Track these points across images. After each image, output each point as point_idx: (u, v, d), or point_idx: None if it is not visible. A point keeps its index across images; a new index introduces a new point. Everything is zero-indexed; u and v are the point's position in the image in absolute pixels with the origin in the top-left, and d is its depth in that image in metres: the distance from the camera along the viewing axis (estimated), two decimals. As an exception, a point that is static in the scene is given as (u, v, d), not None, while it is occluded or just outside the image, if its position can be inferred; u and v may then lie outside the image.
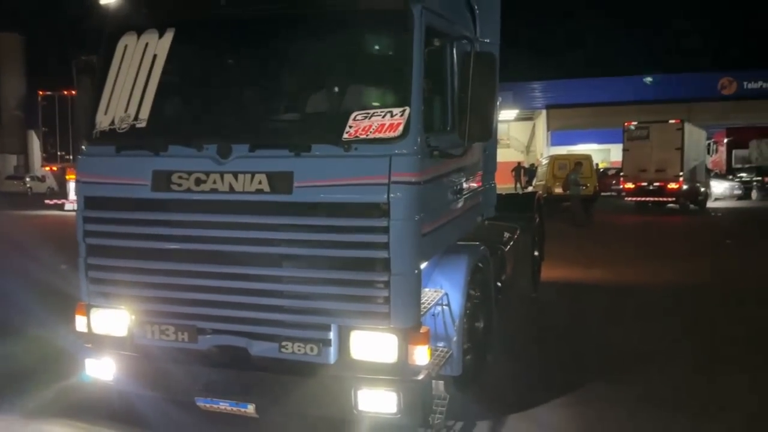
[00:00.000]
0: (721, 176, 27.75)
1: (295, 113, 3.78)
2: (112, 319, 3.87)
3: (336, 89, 3.75)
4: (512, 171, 29.58)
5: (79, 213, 3.93)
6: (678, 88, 35.15)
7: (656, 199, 20.26)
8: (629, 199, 21.22)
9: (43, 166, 20.57)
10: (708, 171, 24.91)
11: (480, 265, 4.36)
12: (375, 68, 3.67)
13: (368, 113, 3.35)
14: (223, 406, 3.57)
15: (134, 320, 3.80)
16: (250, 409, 3.50)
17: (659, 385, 4.68)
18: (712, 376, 4.87)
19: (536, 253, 7.38)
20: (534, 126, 42.00)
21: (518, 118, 41.89)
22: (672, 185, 19.70)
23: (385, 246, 3.27)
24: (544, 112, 39.11)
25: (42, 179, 27.06)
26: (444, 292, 3.90)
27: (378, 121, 3.33)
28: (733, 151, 31.57)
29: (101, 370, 3.88)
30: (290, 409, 3.58)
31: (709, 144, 31.49)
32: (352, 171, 3.30)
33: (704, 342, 5.74)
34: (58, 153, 18.63)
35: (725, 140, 32.34)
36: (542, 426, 4.06)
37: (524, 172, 29.36)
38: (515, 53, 37.11)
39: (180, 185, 3.58)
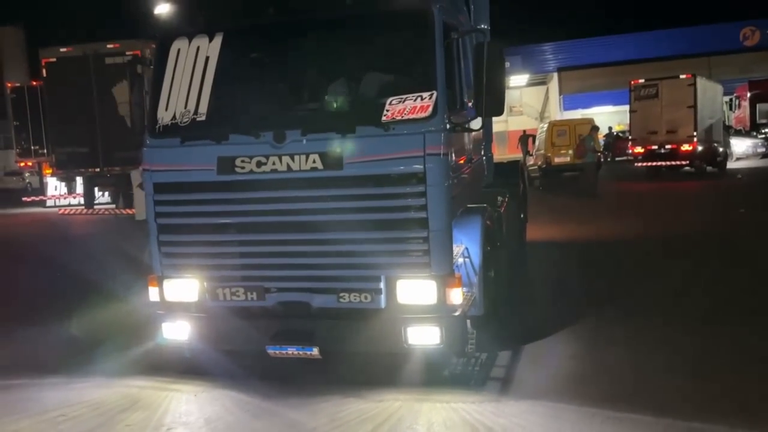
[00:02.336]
0: (743, 133, 28.74)
1: (338, 102, 5.00)
2: (184, 287, 5.10)
3: (372, 79, 4.97)
4: (519, 140, 30.64)
5: (148, 197, 5.13)
6: (696, 41, 36.31)
7: (669, 163, 20.82)
8: (639, 164, 21.75)
9: (17, 161, 21.56)
10: (727, 129, 25.79)
11: (488, 223, 5.64)
12: (404, 59, 4.88)
13: (402, 98, 4.58)
14: (291, 351, 4.84)
15: (205, 286, 5.03)
16: (315, 351, 4.77)
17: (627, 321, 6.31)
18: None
19: (522, 216, 9.02)
20: (547, 90, 43.28)
21: (530, 83, 43.32)
22: (685, 147, 20.30)
23: (424, 208, 4.52)
24: (555, 75, 40.43)
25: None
26: (464, 247, 5.16)
27: (410, 105, 4.56)
28: (758, 106, 32.47)
29: (177, 333, 5.12)
30: (349, 349, 4.88)
31: (731, 99, 32.80)
32: (392, 147, 4.53)
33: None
34: (32, 147, 19.62)
35: (748, 94, 33.38)
36: (552, 352, 5.50)
37: (532, 141, 30.53)
38: (523, 15, 38.31)
39: (243, 168, 4.79)
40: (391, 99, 4.59)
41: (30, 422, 4.61)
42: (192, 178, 4.96)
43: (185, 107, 5.02)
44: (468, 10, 6.40)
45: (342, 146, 4.60)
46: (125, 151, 13.16)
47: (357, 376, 5.03)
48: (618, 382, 4.80)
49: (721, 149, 22.52)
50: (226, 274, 5.00)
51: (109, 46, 14.01)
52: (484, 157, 6.86)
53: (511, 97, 44.96)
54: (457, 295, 4.63)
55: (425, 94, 4.56)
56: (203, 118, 4.97)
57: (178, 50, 5.10)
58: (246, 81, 5.30)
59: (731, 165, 23.49)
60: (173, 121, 5.04)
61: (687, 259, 8.90)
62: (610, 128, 33.65)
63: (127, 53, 13.49)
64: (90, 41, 15.31)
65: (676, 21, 37.56)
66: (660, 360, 5.18)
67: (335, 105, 4.95)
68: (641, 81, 21.74)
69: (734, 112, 33.13)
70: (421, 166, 4.50)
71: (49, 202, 19.09)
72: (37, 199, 19.73)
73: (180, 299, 5.12)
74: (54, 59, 15.02)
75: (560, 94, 40.39)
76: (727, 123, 30.89)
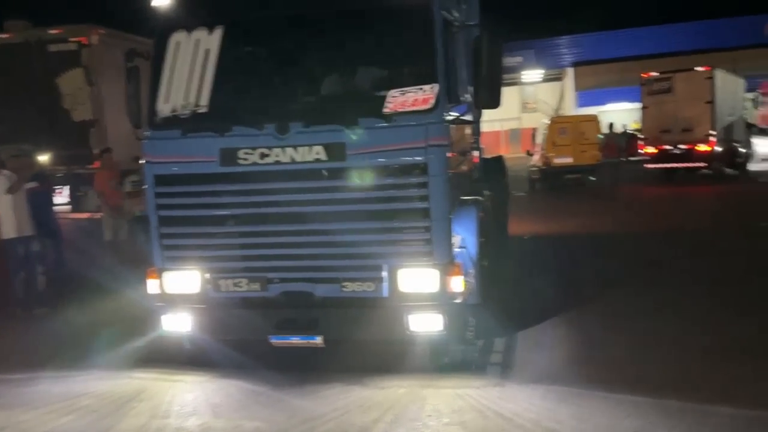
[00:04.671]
0: (766, 133, 29.70)
1: (341, 94, 5.82)
2: (184, 279, 5.85)
3: (374, 72, 5.82)
4: (532, 138, 31.69)
5: (149, 189, 5.89)
6: (719, 35, 37.96)
7: (683, 165, 21.18)
8: (650, 166, 22.06)
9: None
10: (749, 127, 26.30)
11: (482, 215, 6.49)
12: (406, 52, 5.71)
13: (403, 90, 5.42)
14: (294, 340, 5.63)
15: (206, 278, 5.80)
16: (319, 340, 5.56)
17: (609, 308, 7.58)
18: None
19: (505, 210, 10.19)
20: (563, 86, 45.14)
21: (546, 79, 45.71)
22: (702, 147, 20.66)
23: (426, 198, 5.35)
24: (570, 70, 42.07)
25: None
26: (461, 237, 5.98)
27: (412, 97, 5.40)
28: (784, 103, 33.76)
29: (178, 324, 5.88)
30: (352, 337, 5.69)
31: (755, 96, 34.12)
32: (395, 138, 5.35)
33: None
34: None
35: (773, 90, 34.58)
36: (546, 337, 6.56)
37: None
38: (537, 6, 39.80)
39: (246, 159, 5.57)
40: (392, 91, 5.43)
41: (38, 413, 5.34)
42: (194, 170, 5.73)
43: (186, 99, 5.81)
44: (460, 8, 7.28)
45: (345, 138, 5.42)
46: (70, 148, 13.60)
47: (359, 363, 5.84)
48: (613, 364, 5.72)
49: (742, 150, 23.16)
50: (228, 266, 5.78)
51: (52, 31, 14.12)
52: (476, 150, 7.86)
53: (525, 93, 48.22)
54: (458, 283, 5.46)
55: (426, 87, 5.39)
56: (204, 110, 5.75)
57: (178, 43, 5.89)
58: (247, 73, 6.11)
59: (753, 167, 24.10)
60: (173, 113, 5.82)
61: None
62: (623, 126, 34.92)
63: (71, 39, 13.55)
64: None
65: (698, 14, 39.17)
66: (646, 342, 6.20)
67: (338, 97, 5.78)
68: (653, 74, 22.29)
69: (758, 109, 34.28)
70: (423, 157, 5.32)
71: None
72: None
73: (180, 291, 5.86)
74: None
75: (575, 91, 41.93)
76: (751, 121, 32.14)
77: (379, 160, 5.41)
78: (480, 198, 6.61)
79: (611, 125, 19.17)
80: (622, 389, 5.14)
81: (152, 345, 6.29)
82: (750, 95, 33.77)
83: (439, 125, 5.38)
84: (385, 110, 5.40)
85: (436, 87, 5.38)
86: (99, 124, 13.37)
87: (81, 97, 13.56)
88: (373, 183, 5.44)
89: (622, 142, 18.15)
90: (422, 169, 5.35)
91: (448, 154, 5.50)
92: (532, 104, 47.62)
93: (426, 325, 5.44)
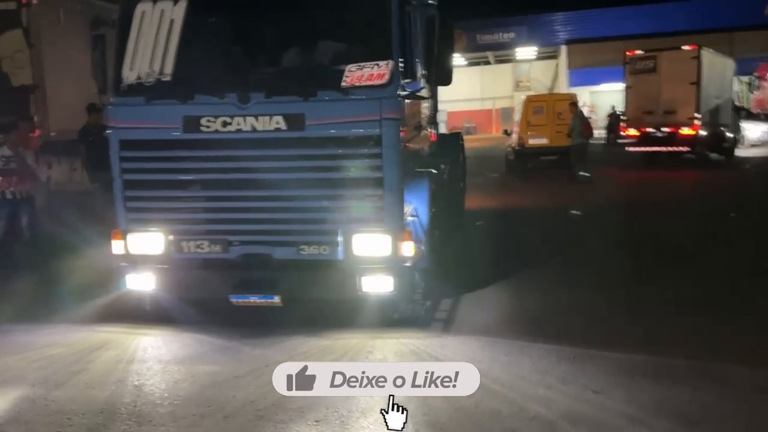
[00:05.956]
0: (761, 117, 30.42)
1: (301, 66, 6.64)
2: (148, 240, 6.65)
3: (333, 46, 6.63)
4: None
5: (114, 154, 6.66)
6: (718, 14, 39.09)
7: (665, 148, 21.39)
8: (632, 149, 22.45)
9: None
10: (737, 111, 26.88)
11: (434, 187, 7.36)
12: (363, 28, 6.51)
13: (360, 65, 6.23)
14: (253, 300, 6.47)
15: (169, 240, 6.59)
16: (277, 299, 6.41)
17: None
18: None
19: (461, 184, 11.31)
20: (557, 65, 46.41)
21: (541, 57, 47.37)
22: (685, 130, 20.90)
23: (379, 168, 6.19)
24: (564, 48, 43.18)
25: None
26: (413, 207, 6.87)
27: (368, 72, 6.22)
28: (779, 87, 34.82)
29: (141, 283, 6.69)
30: (308, 296, 6.56)
31: (750, 79, 35.24)
32: (351, 111, 6.18)
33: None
34: None
35: (768, 73, 35.66)
36: (488, 299, 7.71)
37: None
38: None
39: (208, 127, 6.35)
40: (350, 66, 6.24)
41: (10, 359, 6.13)
42: (158, 136, 6.50)
43: (150, 67, 6.54)
44: None
45: (305, 109, 6.22)
46: (8, 114, 14.02)
47: (316, 320, 6.74)
48: (538, 322, 6.82)
49: (728, 134, 23.82)
50: (190, 228, 6.59)
51: None
52: (431, 126, 8.82)
53: (518, 70, 49.33)
54: (408, 248, 6.33)
55: (382, 63, 6.21)
56: (168, 78, 6.50)
57: (143, 12, 6.61)
58: (210, 44, 6.90)
59: (743, 152, 25.06)
60: (138, 81, 6.55)
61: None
62: (613, 107, 36.05)
63: None
64: None
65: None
66: (569, 305, 7.36)
67: (298, 70, 6.60)
68: (638, 52, 22.68)
69: (753, 93, 35.30)
70: (378, 130, 6.15)
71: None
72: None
73: (144, 252, 6.65)
74: None
75: (568, 69, 43.05)
76: (746, 105, 33.08)
77: (337, 131, 6.23)
78: (433, 171, 7.49)
79: (613, 108, 19.94)
80: (541, 340, 6.20)
81: (116, 302, 7.14)
82: (745, 78, 35.06)
83: (393, 100, 6.20)
84: (343, 84, 6.20)
85: (390, 63, 6.20)
86: (39, 90, 13.81)
87: (20, 60, 13.91)
88: (330, 152, 6.28)
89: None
90: (376, 140, 6.17)
91: (401, 128, 6.34)
92: (525, 82, 48.88)
93: (377, 286, 6.31)
